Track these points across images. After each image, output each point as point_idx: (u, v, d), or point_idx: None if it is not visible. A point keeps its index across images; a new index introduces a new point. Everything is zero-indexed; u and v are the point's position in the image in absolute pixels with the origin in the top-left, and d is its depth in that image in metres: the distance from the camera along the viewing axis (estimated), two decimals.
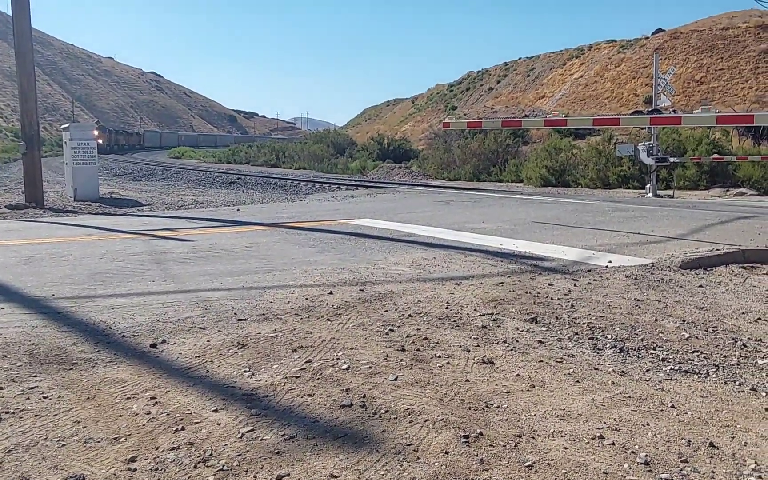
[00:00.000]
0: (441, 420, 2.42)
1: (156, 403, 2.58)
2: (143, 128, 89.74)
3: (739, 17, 53.49)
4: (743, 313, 4.03)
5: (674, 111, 17.82)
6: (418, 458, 2.14)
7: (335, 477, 2.03)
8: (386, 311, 4.00)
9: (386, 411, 2.50)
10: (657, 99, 16.45)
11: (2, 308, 4.00)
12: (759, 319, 3.91)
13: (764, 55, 47.76)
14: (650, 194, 15.86)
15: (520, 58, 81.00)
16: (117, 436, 2.31)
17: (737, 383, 2.87)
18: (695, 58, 50.34)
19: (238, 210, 11.18)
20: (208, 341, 3.37)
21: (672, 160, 16.90)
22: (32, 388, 2.73)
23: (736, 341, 3.47)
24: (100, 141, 59.42)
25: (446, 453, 2.17)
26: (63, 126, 14.65)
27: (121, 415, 2.47)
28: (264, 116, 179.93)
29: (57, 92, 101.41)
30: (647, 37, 59.30)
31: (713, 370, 3.04)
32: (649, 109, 18.30)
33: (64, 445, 2.25)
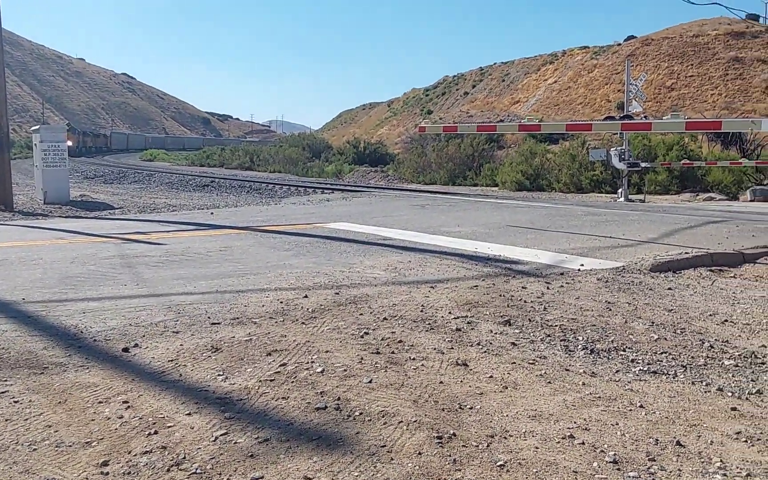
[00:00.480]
0: (415, 421, 2.44)
1: (128, 407, 2.56)
2: (111, 130, 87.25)
3: (709, 25, 54.49)
4: (711, 315, 4.12)
5: (645, 117, 18.08)
6: (392, 459, 2.15)
7: (309, 479, 2.03)
8: (361, 314, 4.01)
9: (360, 413, 2.52)
10: (629, 105, 16.67)
11: None
12: (726, 320, 3.99)
13: (733, 63, 48.72)
14: (622, 199, 16.07)
15: (495, 63, 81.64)
16: (89, 440, 2.29)
17: (704, 383, 2.94)
18: (666, 64, 51.17)
19: (212, 213, 11.11)
20: (181, 345, 3.36)
21: (643, 165, 17.15)
22: (2, 392, 2.70)
23: (703, 342, 3.54)
24: (70, 143, 56.45)
25: (420, 453, 2.19)
26: (33, 128, 14.43)
27: (93, 420, 2.45)
28: (238, 119, 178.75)
29: (27, 93, 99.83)
30: (619, 44, 60.14)
31: (681, 370, 3.11)
32: (621, 115, 18.56)
33: (35, 449, 2.23)
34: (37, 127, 13.86)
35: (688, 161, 18.41)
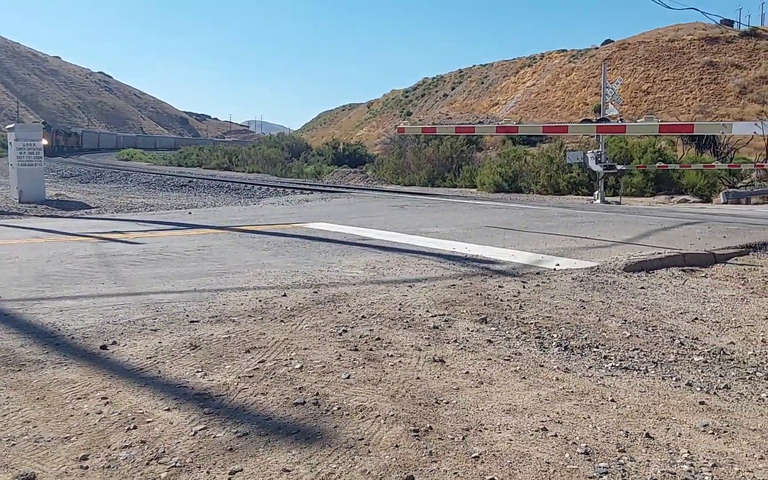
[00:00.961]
0: (392, 415, 2.48)
1: (107, 403, 2.58)
2: (82, 129, 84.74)
3: (685, 30, 55.37)
4: (681, 313, 4.21)
5: (621, 120, 18.33)
6: (369, 452, 2.19)
7: (288, 471, 2.07)
8: (340, 313, 4.05)
9: (339, 408, 2.55)
10: (605, 108, 16.89)
11: None
12: (696, 318, 4.09)
13: (708, 67, 49.53)
14: (598, 201, 16.27)
15: (474, 66, 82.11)
16: (68, 435, 2.31)
17: (674, 379, 3.01)
18: (642, 68, 51.86)
19: (189, 213, 11.07)
20: (159, 343, 3.37)
21: (619, 167, 17.38)
22: None
23: (674, 339, 3.63)
24: (45, 142, 54.58)
25: (396, 446, 2.23)
26: (8, 126, 14.26)
27: (71, 415, 2.46)
28: (217, 119, 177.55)
29: (1, 92, 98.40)
30: (597, 48, 60.84)
31: (652, 366, 3.19)
32: (598, 118, 18.80)
33: (14, 444, 2.24)
34: (12, 125, 13.69)
35: (663, 164, 18.69)
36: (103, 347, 3.26)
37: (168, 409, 2.53)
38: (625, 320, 3.97)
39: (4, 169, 25.70)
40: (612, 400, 2.69)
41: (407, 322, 3.87)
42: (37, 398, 2.62)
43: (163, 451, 2.19)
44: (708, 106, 45.38)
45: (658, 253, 6.04)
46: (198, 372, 2.94)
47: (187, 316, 3.90)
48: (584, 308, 4.22)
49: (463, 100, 70.92)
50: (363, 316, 3.96)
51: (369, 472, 2.06)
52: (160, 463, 2.11)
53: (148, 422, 2.41)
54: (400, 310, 4.14)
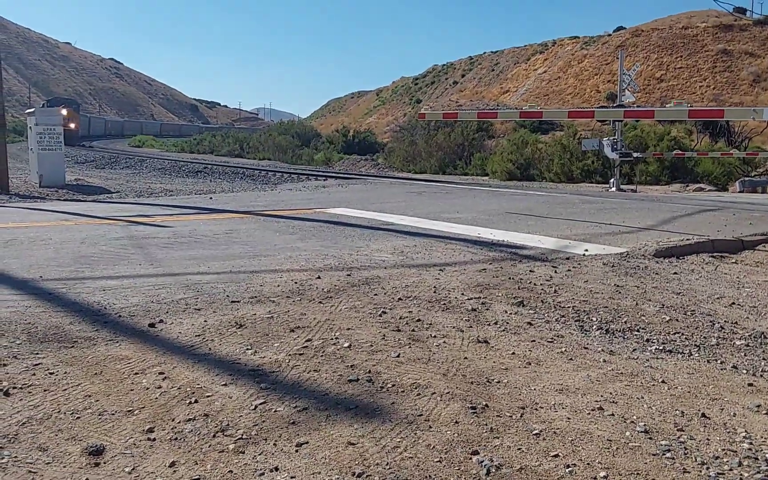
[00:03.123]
0: (447, 393, 2.51)
1: (165, 378, 2.62)
2: (89, 115, 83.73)
3: (698, 17, 54.86)
4: (717, 297, 4.22)
5: (637, 107, 18.24)
6: (431, 427, 2.22)
7: (353, 444, 2.10)
8: (376, 295, 4.08)
9: (393, 385, 2.58)
10: (622, 95, 16.81)
11: None
12: (733, 303, 4.09)
13: (722, 55, 49.10)
14: (614, 189, 16.22)
15: (484, 53, 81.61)
16: (131, 408, 2.35)
17: (719, 362, 3.03)
18: (656, 56, 51.46)
19: (210, 198, 11.11)
20: (205, 321, 3.41)
21: (635, 155, 17.31)
22: (36, 364, 2.74)
23: (713, 324, 3.64)
24: (72, 126, 52.48)
25: (456, 422, 2.26)
26: (28, 110, 14.33)
27: (132, 390, 2.50)
28: (226, 106, 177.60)
29: (12, 77, 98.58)
30: (609, 35, 60.37)
31: (695, 349, 3.20)
32: (614, 105, 18.69)
33: (78, 417, 2.28)
34: (32, 109, 13.76)
35: (680, 152, 18.60)
36: (152, 325, 3.30)
37: (225, 385, 2.56)
38: (663, 305, 3.98)
39: (18, 154, 25.84)
40: (662, 382, 2.71)
41: (444, 304, 3.89)
42: (95, 373, 2.66)
43: (227, 424, 2.22)
44: (722, 95, 45.03)
45: (687, 239, 6.03)
46: (248, 349, 2.98)
47: (227, 296, 3.94)
48: (620, 293, 4.23)
49: (473, 87, 70.60)
50: (399, 299, 3.99)
51: (434, 447, 2.09)
52: (226, 436, 2.15)
53: (208, 397, 2.45)
54: (435, 293, 4.16)
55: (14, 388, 2.50)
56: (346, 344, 3.06)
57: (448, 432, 2.19)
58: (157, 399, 2.42)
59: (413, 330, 3.36)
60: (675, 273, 4.89)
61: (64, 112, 50.72)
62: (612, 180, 16.65)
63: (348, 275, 4.61)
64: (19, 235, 6.14)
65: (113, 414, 2.31)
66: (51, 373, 2.65)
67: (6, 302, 3.67)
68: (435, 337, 3.25)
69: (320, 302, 3.87)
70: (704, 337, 3.40)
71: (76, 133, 53.01)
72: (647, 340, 3.31)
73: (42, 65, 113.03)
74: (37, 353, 2.88)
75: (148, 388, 2.51)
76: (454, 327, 3.42)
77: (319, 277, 4.51)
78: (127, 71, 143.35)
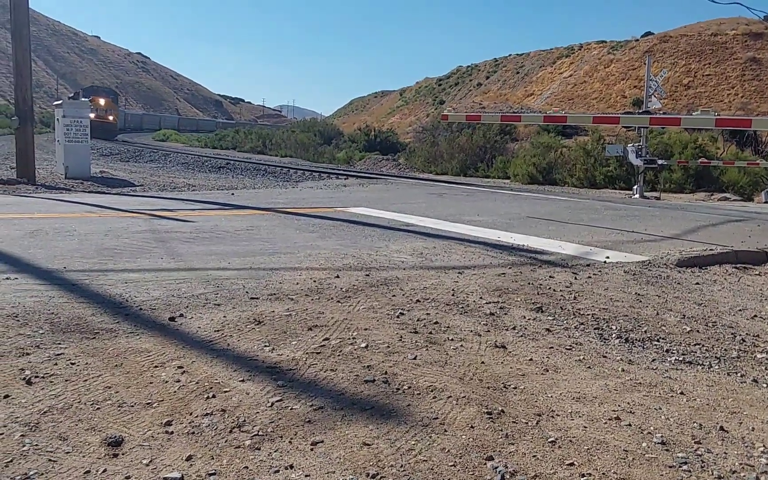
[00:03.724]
0: (463, 397, 2.51)
1: (184, 372, 2.64)
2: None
3: (728, 24, 54.13)
4: (740, 310, 4.17)
5: (664, 114, 18.05)
6: (446, 431, 2.22)
7: (368, 445, 2.11)
8: (394, 296, 4.08)
9: (409, 387, 2.59)
10: (648, 101, 16.65)
11: (16, 278, 4.03)
12: (755, 316, 4.04)
13: (750, 63, 48.41)
14: (637, 195, 16.07)
15: (510, 55, 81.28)
16: (149, 401, 2.37)
17: (739, 375, 2.99)
18: (683, 62, 50.90)
19: (232, 194, 11.20)
20: (224, 317, 3.44)
21: (660, 162, 17.13)
22: (58, 354, 2.78)
23: (735, 336, 3.59)
24: (111, 118, 51.33)
25: (472, 427, 2.26)
26: (56, 102, 14.52)
27: (151, 382, 2.53)
28: (250, 102, 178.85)
29: (41, 69, 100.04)
30: (637, 40, 59.83)
31: (715, 362, 3.17)
32: (640, 111, 18.53)
33: (98, 408, 2.31)
34: (59, 101, 13.94)
35: (705, 160, 18.37)
36: (172, 319, 3.34)
37: (242, 380, 2.58)
38: (684, 315, 3.94)
39: (44, 145, 26.22)
40: (681, 393, 2.68)
41: (462, 307, 3.88)
42: (116, 365, 2.70)
43: (244, 420, 2.24)
44: (750, 103, 44.41)
45: (710, 250, 5.96)
46: (266, 346, 3.00)
47: (247, 292, 3.97)
48: (640, 302, 4.20)
49: (497, 89, 70.32)
50: (417, 300, 3.99)
51: (448, 451, 2.09)
52: (242, 432, 2.17)
53: (225, 392, 2.47)
54: (453, 295, 4.15)
55: (36, 377, 2.54)
56: (363, 344, 3.07)
57: (463, 436, 2.19)
58: (175, 392, 2.45)
59: (431, 332, 3.36)
60: (697, 283, 4.84)
61: (102, 101, 47.27)
62: (635, 187, 16.49)
63: (367, 275, 4.62)
64: (45, 225, 6.24)
65: (132, 406, 2.34)
66: (72, 364, 2.69)
67: (30, 292, 3.73)
68: (452, 340, 3.25)
69: (338, 301, 3.89)
70: (725, 350, 3.36)
71: (114, 126, 50.20)
72: (667, 351, 3.28)
73: (70, 58, 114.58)
74: (60, 343, 2.92)
75: (167, 382, 2.54)
76: (471, 331, 3.42)
77: (338, 276, 4.53)
78: (153, 66, 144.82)
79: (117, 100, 55.08)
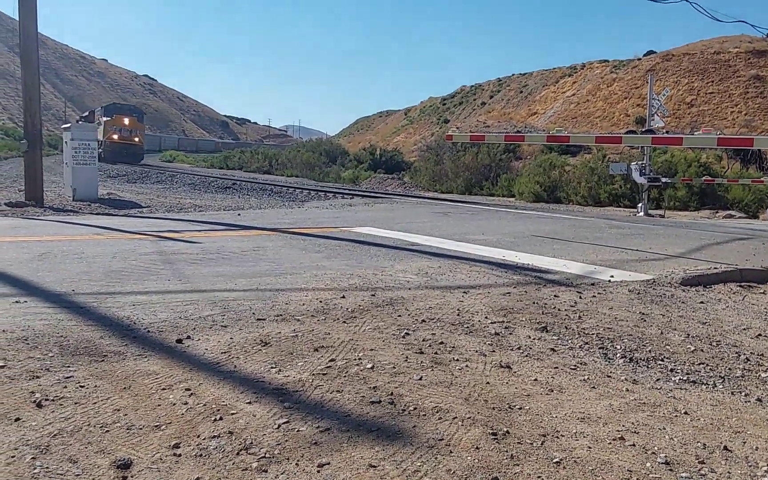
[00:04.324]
0: (469, 418, 2.52)
1: (191, 394, 2.67)
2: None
3: (731, 42, 54.27)
4: (744, 329, 4.17)
5: (667, 132, 18.09)
6: (451, 452, 2.24)
7: (374, 467, 2.13)
8: (399, 316, 4.11)
9: (415, 408, 2.61)
10: (651, 120, 16.71)
11: (26, 301, 4.07)
12: (759, 335, 4.05)
13: (754, 81, 48.47)
14: (642, 213, 16.09)
15: (513, 75, 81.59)
16: (158, 423, 2.40)
17: (743, 394, 3.00)
18: (686, 80, 50.98)
19: (239, 214, 11.26)
20: (231, 338, 3.47)
21: (664, 180, 17.16)
22: (68, 377, 2.81)
23: (739, 355, 3.60)
24: (136, 139, 44.71)
25: (477, 448, 2.28)
26: (64, 126, 14.67)
27: (159, 405, 2.56)
28: (256, 123, 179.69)
29: (49, 92, 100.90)
30: (639, 59, 60.00)
31: (720, 381, 3.18)
32: (642, 130, 18.59)
33: (107, 431, 2.34)
34: (68, 124, 14.08)
35: (709, 178, 18.39)
36: (179, 341, 3.37)
37: (249, 402, 2.61)
38: (688, 334, 3.95)
39: (52, 167, 26.41)
40: (685, 413, 2.70)
41: (467, 327, 3.91)
42: (124, 387, 2.73)
43: (251, 443, 2.27)
44: (753, 121, 44.38)
45: (715, 268, 5.97)
46: (272, 368, 3.03)
47: (253, 313, 4.00)
48: (645, 321, 4.21)
49: (501, 109, 70.54)
50: (423, 320, 4.01)
51: (454, 472, 2.11)
52: (249, 454, 2.19)
53: (233, 414, 2.49)
54: (458, 315, 4.18)
55: (46, 400, 2.57)
56: (369, 365, 3.10)
57: (469, 458, 2.21)
58: (183, 415, 2.48)
59: (436, 353, 3.38)
60: (701, 302, 4.85)
61: (126, 121, 43.82)
62: (640, 205, 16.52)
63: (372, 295, 4.65)
64: (53, 248, 6.30)
65: (141, 428, 2.36)
66: (82, 386, 2.72)
67: (40, 315, 3.77)
68: (458, 360, 3.27)
69: (344, 322, 3.92)
70: (729, 369, 3.37)
71: (140, 148, 45.64)
72: (671, 370, 3.29)
73: (78, 80, 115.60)
74: (69, 366, 2.95)
75: (174, 404, 2.57)
76: (476, 351, 3.44)
77: (343, 297, 4.56)
78: (160, 87, 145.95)
79: (142, 119, 49.12)
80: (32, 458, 2.11)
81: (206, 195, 18.07)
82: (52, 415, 2.44)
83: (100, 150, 36.39)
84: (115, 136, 43.12)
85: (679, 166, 20.51)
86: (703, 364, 3.42)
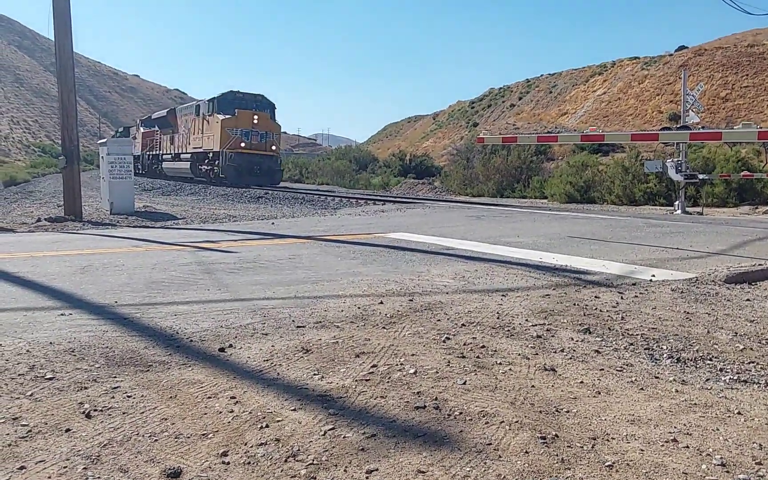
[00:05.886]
0: (516, 422, 2.49)
1: (236, 402, 2.68)
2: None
3: (764, 35, 53.14)
4: None
5: (702, 127, 17.77)
6: (500, 456, 2.21)
7: (423, 473, 2.11)
8: (438, 320, 4.08)
9: (460, 413, 2.58)
10: (685, 115, 16.42)
11: (71, 314, 4.14)
12: None
13: None
14: (679, 211, 15.80)
15: (542, 75, 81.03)
16: (205, 432, 2.41)
17: None
18: (720, 75, 50.06)
19: (272, 223, 11.35)
20: (272, 346, 3.48)
21: (701, 177, 16.83)
22: (115, 387, 2.85)
23: None
24: (273, 149, 28.21)
25: (526, 452, 2.24)
26: (100, 141, 14.97)
27: (205, 413, 2.58)
28: (285, 132, 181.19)
29: (84, 108, 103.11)
30: (671, 54, 59.11)
31: None
32: (677, 126, 18.26)
33: (156, 440, 2.36)
34: (104, 140, 14.38)
35: (748, 173, 17.99)
36: (221, 350, 3.40)
37: (294, 409, 2.61)
38: (736, 333, 3.86)
39: (88, 182, 26.94)
40: (738, 413, 2.62)
41: (508, 330, 3.86)
42: (170, 397, 2.75)
43: (298, 450, 2.27)
44: None
45: (759, 265, 5.83)
46: (315, 374, 3.03)
47: (293, 321, 4.01)
48: (690, 320, 4.12)
49: (530, 110, 70.07)
50: (462, 324, 3.98)
51: (504, 477, 2.08)
52: (297, 461, 2.19)
53: (278, 421, 2.50)
54: (498, 318, 4.14)
55: (95, 410, 2.61)
56: (411, 370, 3.08)
57: (518, 462, 2.17)
58: (229, 423, 2.49)
59: (478, 357, 3.35)
60: (748, 300, 4.73)
61: (255, 118, 29.66)
62: (677, 202, 16.22)
63: (410, 300, 4.63)
64: (94, 261, 6.41)
65: (188, 437, 2.38)
66: (129, 397, 2.75)
67: (85, 327, 3.83)
68: (500, 364, 3.23)
69: (384, 327, 3.90)
70: None
71: (276, 161, 31.33)
72: (721, 370, 3.21)
73: (111, 96, 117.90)
74: (115, 377, 2.99)
75: (220, 412, 2.58)
76: (519, 354, 3.40)
77: (381, 303, 4.55)
78: (191, 100, 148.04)
79: (274, 116, 32.18)
80: (84, 468, 2.13)
81: (239, 205, 18.25)
82: (102, 426, 2.47)
83: (217, 167, 28.85)
84: (243, 144, 29.19)
85: (716, 162, 20.11)
86: (753, 363, 3.33)
